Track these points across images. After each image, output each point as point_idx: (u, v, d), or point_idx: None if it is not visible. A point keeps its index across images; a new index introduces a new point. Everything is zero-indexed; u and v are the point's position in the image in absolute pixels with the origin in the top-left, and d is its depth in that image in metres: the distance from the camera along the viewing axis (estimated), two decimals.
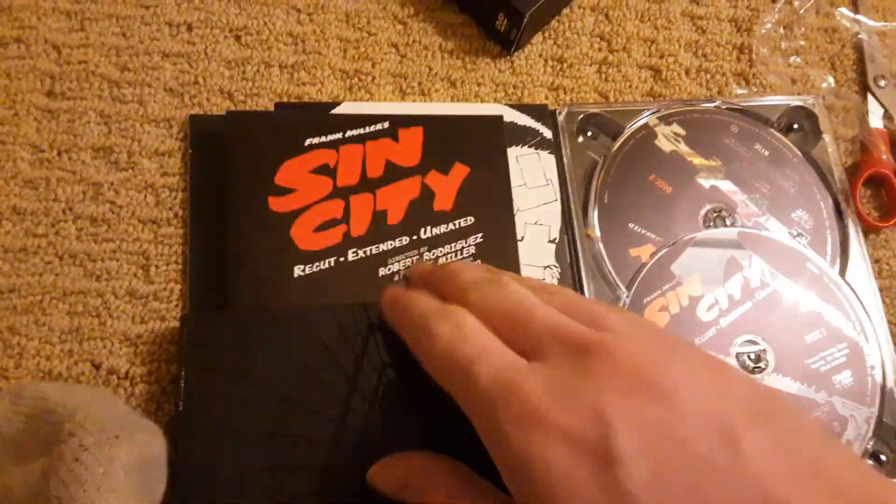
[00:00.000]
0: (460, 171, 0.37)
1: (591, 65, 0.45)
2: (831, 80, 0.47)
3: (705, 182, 0.42)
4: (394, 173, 0.37)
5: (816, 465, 0.20)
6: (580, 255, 0.39)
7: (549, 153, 0.39)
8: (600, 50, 0.45)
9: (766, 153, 0.43)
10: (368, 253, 0.35)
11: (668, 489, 0.19)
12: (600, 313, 0.25)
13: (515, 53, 0.43)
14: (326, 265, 0.35)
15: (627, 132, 0.42)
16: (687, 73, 0.46)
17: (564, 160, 0.40)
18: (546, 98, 0.43)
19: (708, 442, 0.20)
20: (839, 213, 0.43)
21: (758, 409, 0.22)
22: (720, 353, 0.38)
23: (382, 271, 0.35)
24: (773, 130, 0.44)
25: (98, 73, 0.39)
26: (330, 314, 0.33)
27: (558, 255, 0.37)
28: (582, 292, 0.38)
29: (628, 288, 0.39)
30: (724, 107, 0.44)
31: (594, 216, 0.40)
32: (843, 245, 0.42)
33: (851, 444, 0.38)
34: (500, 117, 0.38)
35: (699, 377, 0.22)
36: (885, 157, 0.45)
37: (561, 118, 0.41)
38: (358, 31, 0.42)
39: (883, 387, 0.39)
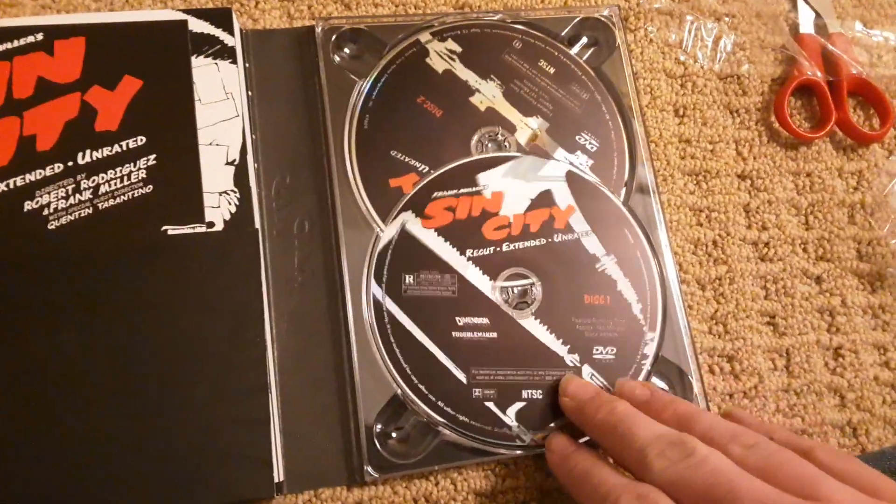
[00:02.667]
0: (130, 84, 0.31)
1: None
2: None
3: (481, 104, 0.36)
4: (46, 92, 0.31)
5: None
6: (334, 189, 0.33)
7: (231, 63, 0.33)
8: None
9: (552, 70, 0.37)
10: (12, 185, 0.30)
11: None
12: (814, 480, 0.23)
13: None
14: None
15: (395, 50, 0.36)
16: None
17: (321, 82, 0.35)
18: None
19: None
20: (629, 131, 0.37)
21: None
22: (486, 274, 0.33)
23: (29, 205, 0.29)
24: (561, 45, 0.38)
25: None
26: None
27: (238, 180, 0.31)
28: (335, 232, 0.33)
29: (384, 221, 0.33)
30: (509, 20, 0.38)
31: (350, 144, 0.34)
32: (631, 168, 0.36)
33: None
34: (184, 23, 0.32)
35: None
36: (809, 66, 0.39)
37: (318, 34, 0.35)
38: None
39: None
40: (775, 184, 0.39)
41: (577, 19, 0.38)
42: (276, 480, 0.28)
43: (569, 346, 0.32)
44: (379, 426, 0.30)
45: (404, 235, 0.33)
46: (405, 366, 0.31)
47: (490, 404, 0.31)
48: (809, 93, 0.41)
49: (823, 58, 0.40)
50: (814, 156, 0.40)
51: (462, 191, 0.34)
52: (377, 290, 0.31)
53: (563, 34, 0.38)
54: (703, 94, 0.39)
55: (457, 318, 0.32)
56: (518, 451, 0.31)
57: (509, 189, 0.34)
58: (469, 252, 0.33)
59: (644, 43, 0.40)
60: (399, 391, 0.30)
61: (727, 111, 0.40)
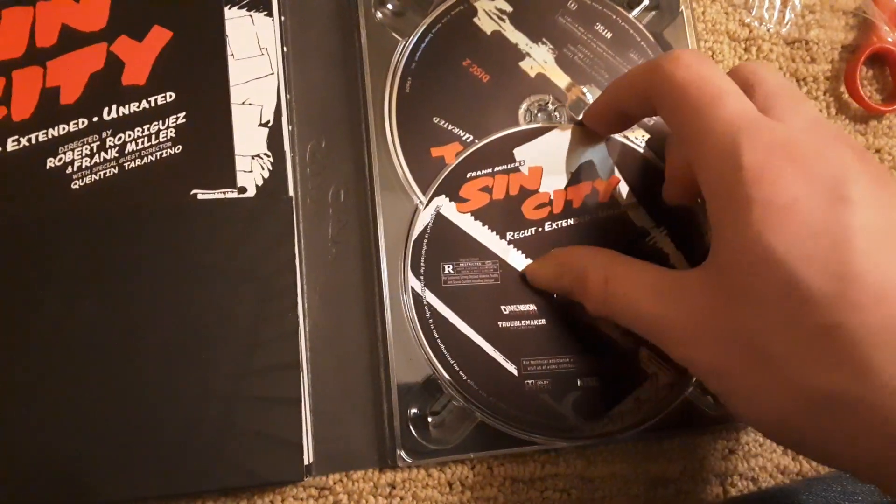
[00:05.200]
0: (160, 36, 0.29)
1: None
2: None
3: (531, 69, 0.33)
4: (71, 40, 0.29)
5: None
6: (372, 156, 0.31)
7: (266, 16, 0.30)
8: None
9: (609, 35, 0.34)
10: (34, 140, 0.28)
11: (885, 240, 0.21)
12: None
13: None
14: None
15: (441, 7, 0.34)
16: None
17: (361, 40, 0.32)
18: None
19: None
20: None
21: None
22: (529, 258, 0.31)
23: (52, 162, 0.28)
24: (619, 8, 0.35)
25: None
26: None
27: (272, 143, 0.29)
28: (372, 202, 0.31)
29: (424, 193, 0.31)
30: None
31: (390, 108, 0.32)
32: None
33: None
34: None
35: None
36: (889, 31, 0.37)
37: None
38: None
39: None
40: None
41: None
42: (305, 463, 0.27)
43: (621, 329, 0.30)
44: (414, 410, 0.29)
45: (439, 222, 0.30)
46: (442, 347, 0.29)
47: (545, 396, 0.30)
48: (882, 62, 0.38)
49: None
50: (884, 130, 0.37)
51: (497, 168, 0.32)
52: (415, 283, 0.30)
53: None
54: (769, 59, 0.37)
55: (502, 307, 0.30)
56: (578, 443, 0.29)
57: (548, 163, 0.32)
58: (510, 235, 0.31)
59: (707, 2, 0.37)
60: (434, 373, 0.29)
61: (794, 79, 0.37)
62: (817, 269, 0.20)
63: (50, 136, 0.28)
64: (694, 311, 0.24)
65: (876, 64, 0.38)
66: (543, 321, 0.30)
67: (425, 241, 0.31)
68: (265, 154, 0.29)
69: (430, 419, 0.29)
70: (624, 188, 0.32)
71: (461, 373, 0.29)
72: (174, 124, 0.29)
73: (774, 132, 0.23)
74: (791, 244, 0.21)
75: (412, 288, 0.30)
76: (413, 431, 0.28)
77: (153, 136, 0.28)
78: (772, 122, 0.23)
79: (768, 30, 0.37)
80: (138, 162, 0.28)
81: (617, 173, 0.32)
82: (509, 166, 0.32)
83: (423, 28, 0.33)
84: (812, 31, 0.37)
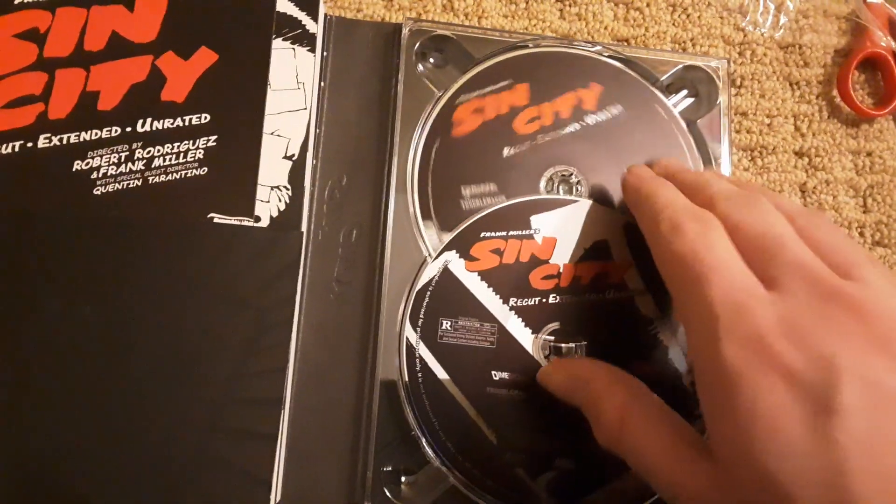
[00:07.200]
0: (205, 57, 0.30)
1: None
2: None
3: None
4: (119, 48, 0.29)
5: None
6: (389, 204, 0.31)
7: (309, 51, 0.31)
8: None
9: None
10: (65, 141, 0.28)
11: (878, 451, 0.19)
12: (856, 262, 0.23)
13: None
14: (8, 149, 0.28)
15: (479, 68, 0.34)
16: None
17: (398, 88, 0.33)
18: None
19: None
20: None
21: None
22: (528, 327, 0.31)
23: (78, 165, 0.28)
24: (655, 90, 0.35)
25: None
26: None
27: (293, 176, 0.29)
28: (382, 248, 0.31)
29: (435, 246, 0.31)
30: (605, 55, 0.35)
31: (416, 158, 0.32)
32: None
33: None
34: (273, 1, 0.31)
35: None
36: (882, 36, 0.38)
37: (404, 35, 0.33)
38: None
39: None
40: (834, 163, 0.37)
41: (681, 66, 0.35)
42: (272, 502, 0.27)
43: None
44: (389, 466, 0.28)
45: (445, 277, 0.31)
46: (426, 403, 0.29)
47: (520, 470, 0.29)
48: (873, 67, 0.38)
49: (889, 29, 0.38)
50: (875, 134, 0.38)
51: (512, 233, 0.32)
52: (411, 334, 0.30)
53: (662, 79, 0.35)
54: (763, 63, 0.37)
55: (493, 373, 0.30)
56: None
57: (563, 236, 0.32)
58: (513, 300, 0.31)
59: (702, 7, 0.38)
60: (416, 432, 0.29)
61: (787, 83, 0.38)
62: (813, 494, 0.19)
63: (82, 140, 0.29)
64: (708, 493, 0.22)
65: (868, 68, 0.39)
66: (531, 394, 0.30)
67: (428, 293, 0.31)
68: (285, 186, 0.29)
69: (403, 477, 0.29)
70: (635, 274, 0.32)
71: (441, 432, 0.29)
72: (204, 146, 0.29)
73: (756, 321, 0.22)
74: (781, 461, 0.20)
75: (407, 338, 0.30)
76: (384, 487, 0.28)
77: (182, 155, 0.29)
78: (758, 306, 0.22)
79: (762, 34, 0.38)
80: (163, 178, 0.29)
81: (631, 258, 0.32)
82: (524, 232, 0.32)
83: (459, 83, 0.33)
84: (806, 35, 0.38)
